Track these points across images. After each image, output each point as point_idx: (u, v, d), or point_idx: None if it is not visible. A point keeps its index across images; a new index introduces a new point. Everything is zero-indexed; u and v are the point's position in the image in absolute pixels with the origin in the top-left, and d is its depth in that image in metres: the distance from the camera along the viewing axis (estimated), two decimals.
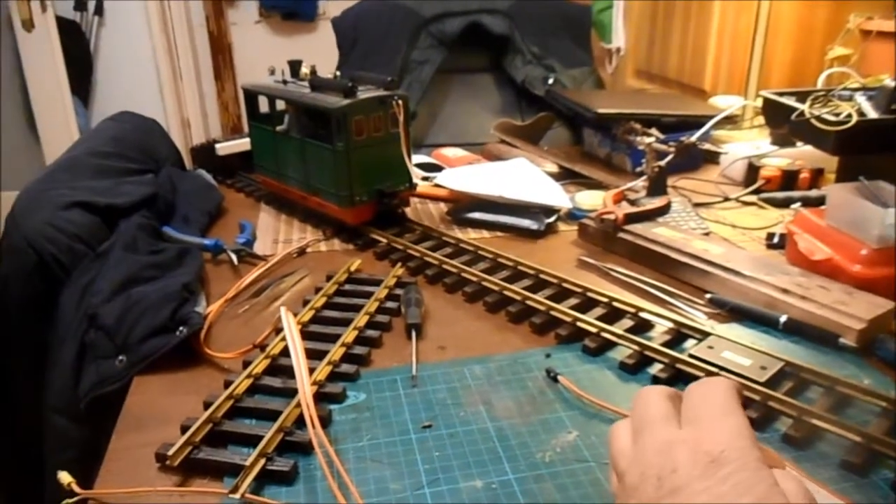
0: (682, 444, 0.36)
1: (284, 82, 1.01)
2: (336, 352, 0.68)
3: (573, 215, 1.06)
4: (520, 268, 0.85)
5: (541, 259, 0.88)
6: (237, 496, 0.50)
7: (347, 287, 0.83)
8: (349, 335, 0.71)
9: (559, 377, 0.65)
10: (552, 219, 1.03)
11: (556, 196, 1.06)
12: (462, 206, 1.07)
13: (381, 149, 0.95)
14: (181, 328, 0.70)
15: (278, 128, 1.01)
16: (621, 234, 0.93)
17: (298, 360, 0.56)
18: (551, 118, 1.45)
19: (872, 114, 0.87)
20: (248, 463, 0.52)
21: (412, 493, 0.52)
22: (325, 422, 0.60)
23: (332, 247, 0.98)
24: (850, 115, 0.82)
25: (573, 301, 0.77)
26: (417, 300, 0.77)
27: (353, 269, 0.87)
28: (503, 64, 1.85)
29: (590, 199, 1.07)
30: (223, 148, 1.24)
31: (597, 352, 0.70)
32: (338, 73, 0.99)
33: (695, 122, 1.20)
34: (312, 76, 1.00)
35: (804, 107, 0.87)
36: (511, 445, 0.57)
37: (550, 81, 1.78)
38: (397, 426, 0.59)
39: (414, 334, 0.72)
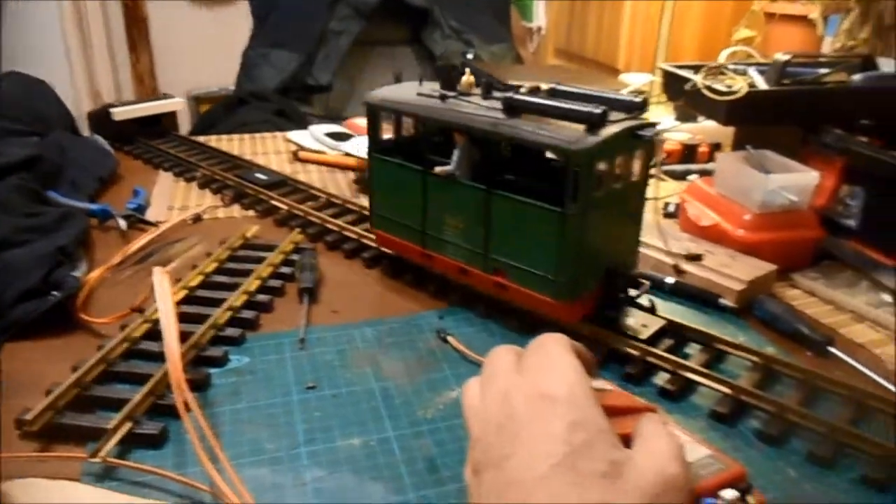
0: (517, 390, 0.36)
1: (443, 97, 0.66)
2: (221, 315, 0.65)
3: None
4: None
5: None
6: (97, 460, 0.47)
7: (241, 253, 0.80)
8: (237, 299, 0.68)
9: (449, 338, 0.65)
10: None
11: None
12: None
13: (617, 208, 0.64)
14: (54, 292, 0.67)
15: (438, 169, 0.66)
16: None
17: (168, 322, 0.54)
18: None
19: (763, 87, 0.90)
20: (110, 426, 0.49)
21: (287, 452, 0.51)
22: (203, 385, 0.58)
23: (231, 213, 0.95)
24: (740, 87, 0.85)
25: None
26: (312, 265, 0.75)
27: (249, 235, 0.84)
28: (422, 37, 1.84)
29: None
30: (120, 113, 1.17)
31: (488, 315, 0.70)
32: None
33: None
34: (489, 87, 0.66)
35: (697, 78, 0.89)
36: (394, 404, 0.56)
37: (469, 56, 1.78)
38: (279, 388, 0.58)
39: (306, 298, 0.71)
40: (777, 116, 0.90)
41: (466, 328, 0.68)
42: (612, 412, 0.42)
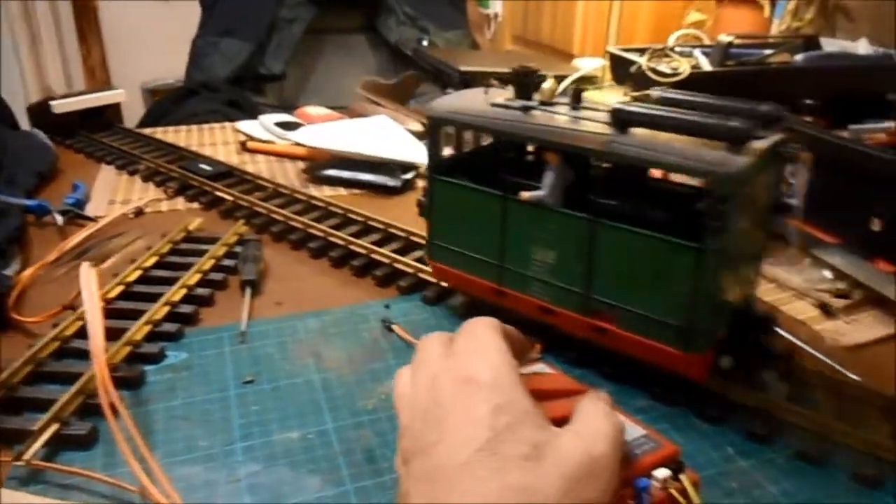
0: (444, 375, 0.36)
1: (525, 108, 0.56)
2: (158, 311, 0.63)
3: None
4: (369, 223, 0.84)
5: (395, 214, 0.86)
6: (20, 463, 0.46)
7: (183, 246, 0.78)
8: (175, 294, 0.67)
9: (393, 326, 0.64)
10: (410, 175, 1.02)
11: (415, 152, 1.05)
12: (319, 164, 1.04)
13: (750, 237, 0.55)
14: None
15: (526, 195, 0.56)
16: None
17: (93, 319, 0.52)
18: (417, 78, 1.43)
19: (707, 68, 0.91)
20: (36, 428, 0.48)
21: (221, 448, 0.49)
22: (137, 382, 0.56)
23: (175, 206, 0.93)
24: (684, 69, 0.85)
25: (418, 253, 0.76)
26: (255, 256, 0.74)
27: (191, 227, 0.82)
28: (376, 25, 1.82)
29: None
30: (60, 105, 1.14)
31: (435, 300, 0.69)
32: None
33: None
34: (578, 95, 0.56)
35: (642, 60, 0.89)
36: (335, 396, 0.55)
37: (424, 43, 1.77)
38: (217, 383, 0.56)
39: (248, 290, 0.69)
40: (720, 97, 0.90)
41: (414, 316, 0.67)
42: (548, 395, 0.42)
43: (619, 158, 0.50)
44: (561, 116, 0.55)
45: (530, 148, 0.65)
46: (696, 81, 0.86)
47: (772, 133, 0.50)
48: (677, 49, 0.96)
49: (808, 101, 1.02)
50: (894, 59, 0.96)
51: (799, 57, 0.93)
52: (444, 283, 0.69)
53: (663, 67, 0.88)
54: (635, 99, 0.55)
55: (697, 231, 0.48)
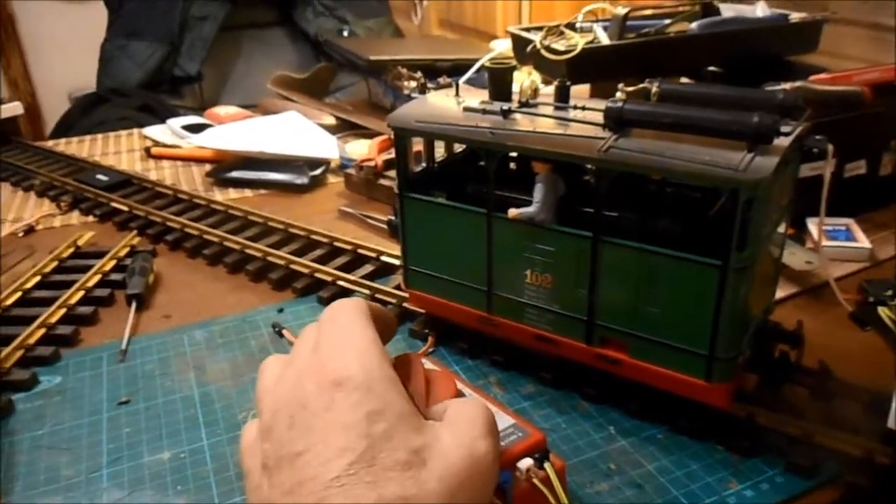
0: (309, 375, 0.33)
1: (505, 113, 0.49)
2: (32, 334, 0.61)
3: (344, 166, 1.02)
4: (269, 224, 0.81)
5: (302, 213, 0.85)
6: None
7: (70, 263, 0.75)
8: (53, 315, 0.64)
9: (284, 330, 0.62)
10: (318, 171, 0.99)
11: (324, 148, 1.02)
12: (224, 166, 1.01)
13: (770, 241, 0.49)
14: None
15: (513, 213, 0.49)
16: (382, 181, 0.91)
17: None
18: (332, 69, 1.40)
19: (606, 42, 0.90)
20: None
21: (86, 476, 0.47)
22: (4, 413, 0.53)
23: (69, 221, 0.89)
24: (577, 44, 0.84)
25: (318, 252, 0.75)
26: (143, 268, 0.71)
27: (81, 242, 0.79)
28: (294, 17, 1.78)
29: (359, 149, 1.04)
30: None
31: (331, 300, 0.67)
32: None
33: (470, 66, 1.19)
34: (565, 91, 0.50)
35: (537, 38, 0.88)
36: (214, 409, 0.53)
37: (345, 34, 1.74)
38: (89, 407, 0.54)
39: (133, 305, 0.67)
40: (619, 71, 0.89)
41: (308, 318, 0.65)
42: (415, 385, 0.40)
43: (621, 167, 0.43)
44: (547, 120, 0.48)
45: (514, 154, 0.57)
46: (590, 57, 0.85)
47: (793, 124, 0.42)
48: (579, 25, 0.95)
49: (711, 69, 1.02)
50: (790, 19, 0.97)
51: (695, 24, 0.93)
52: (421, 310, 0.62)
53: (558, 45, 0.87)
54: (631, 94, 0.47)
55: (715, 242, 0.42)
